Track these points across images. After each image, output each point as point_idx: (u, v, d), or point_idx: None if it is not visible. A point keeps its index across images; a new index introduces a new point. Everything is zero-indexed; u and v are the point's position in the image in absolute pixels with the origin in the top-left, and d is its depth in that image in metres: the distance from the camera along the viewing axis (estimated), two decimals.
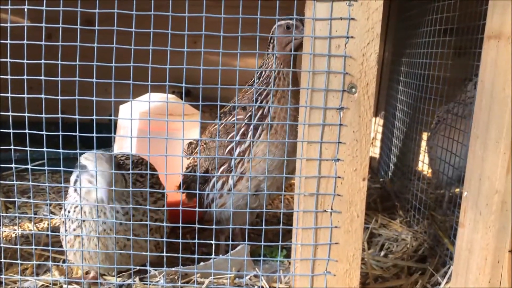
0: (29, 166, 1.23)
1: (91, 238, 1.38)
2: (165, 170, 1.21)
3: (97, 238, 1.38)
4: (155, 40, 1.11)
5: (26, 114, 1.18)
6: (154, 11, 1.11)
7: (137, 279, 1.54)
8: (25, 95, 1.17)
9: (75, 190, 1.37)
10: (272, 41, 1.59)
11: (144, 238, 1.39)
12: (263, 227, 1.29)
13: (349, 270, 1.21)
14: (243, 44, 1.12)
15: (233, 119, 1.64)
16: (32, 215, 1.55)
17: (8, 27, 1.13)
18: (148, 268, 1.45)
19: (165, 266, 1.32)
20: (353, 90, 1.13)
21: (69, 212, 1.40)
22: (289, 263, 1.73)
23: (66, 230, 1.41)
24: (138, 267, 1.49)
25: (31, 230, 1.91)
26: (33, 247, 1.34)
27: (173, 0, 1.22)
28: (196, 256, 1.32)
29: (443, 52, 1.99)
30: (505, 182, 1.12)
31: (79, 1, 1.11)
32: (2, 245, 1.36)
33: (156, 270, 1.53)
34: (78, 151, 1.20)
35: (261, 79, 1.62)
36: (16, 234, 1.83)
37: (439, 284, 1.61)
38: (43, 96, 1.15)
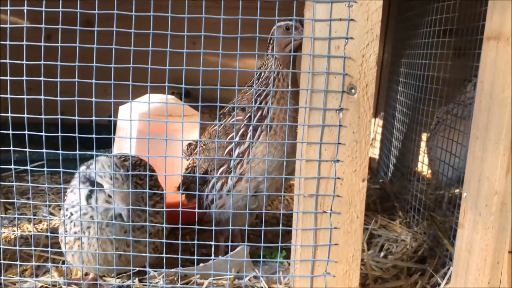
0: (28, 167, 1.23)
1: (91, 244, 1.38)
2: (164, 171, 1.21)
3: (98, 243, 1.38)
4: (155, 41, 1.11)
5: (25, 115, 1.18)
6: (154, 12, 1.11)
7: (136, 280, 1.53)
8: (25, 96, 1.17)
9: (87, 200, 1.37)
10: (271, 42, 1.59)
11: (144, 239, 1.39)
12: (263, 228, 1.29)
13: (348, 271, 1.21)
14: (243, 45, 1.12)
15: (232, 120, 1.64)
16: (32, 216, 1.55)
17: (8, 28, 1.14)
18: (147, 269, 1.44)
19: (164, 267, 1.31)
20: (353, 91, 1.13)
21: (71, 214, 1.40)
22: (289, 264, 1.73)
23: (66, 232, 1.41)
24: (137, 268, 1.49)
25: (30, 231, 1.91)
26: (33, 248, 1.34)
27: (172, 1, 1.22)
28: (195, 257, 1.32)
29: (442, 53, 1.99)
30: (505, 183, 1.12)
31: (78, 2, 1.11)
32: (1, 246, 1.36)
33: (155, 271, 1.53)
34: (77, 152, 1.20)
35: (260, 80, 1.62)
36: (15, 235, 1.83)
37: (439, 285, 1.61)
38: (42, 97, 1.15)
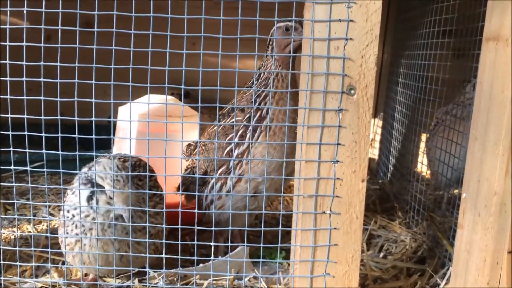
0: (28, 168, 1.23)
1: (92, 245, 1.38)
2: (164, 172, 1.21)
3: (99, 245, 1.38)
4: (154, 42, 1.11)
5: (25, 116, 1.18)
6: (153, 13, 1.11)
7: (136, 281, 1.53)
8: (24, 97, 1.17)
9: (88, 202, 1.37)
10: (271, 43, 1.59)
11: (145, 240, 1.39)
12: (262, 228, 1.29)
13: (348, 271, 1.21)
14: (242, 46, 1.12)
15: (231, 121, 1.64)
16: (31, 217, 1.54)
17: (7, 29, 1.14)
18: (147, 270, 1.44)
19: (164, 267, 1.31)
20: (352, 91, 1.13)
21: (73, 216, 1.40)
22: (288, 264, 1.73)
23: (67, 233, 1.41)
24: (137, 269, 1.49)
25: (30, 232, 1.91)
26: (32, 249, 1.34)
27: (172, 1, 1.22)
28: (195, 257, 1.32)
29: (442, 54, 1.99)
30: (504, 184, 1.12)
31: (78, 3, 1.11)
32: (1, 247, 1.36)
33: (155, 271, 1.53)
34: (77, 152, 1.20)
35: (259, 80, 1.62)
36: (15, 236, 1.83)
37: (438, 285, 1.61)
38: (42, 98, 1.15)
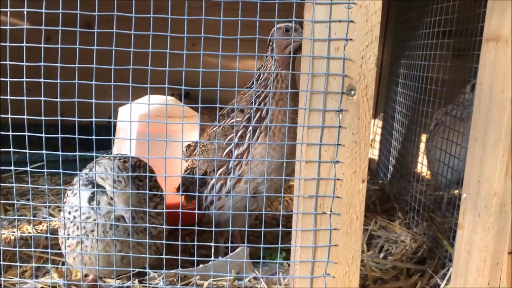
0: (28, 168, 1.22)
1: (94, 246, 1.38)
2: (164, 172, 1.21)
3: (101, 246, 1.39)
4: (155, 42, 1.11)
5: (25, 116, 1.18)
6: (154, 13, 1.11)
7: (136, 281, 1.53)
8: (24, 97, 1.17)
9: (89, 203, 1.37)
10: (271, 43, 1.59)
11: (145, 240, 1.39)
12: (262, 229, 1.29)
13: (348, 272, 1.21)
14: (242, 46, 1.12)
15: (231, 121, 1.64)
16: (31, 217, 1.54)
17: (8, 30, 1.14)
18: (147, 270, 1.44)
19: (164, 268, 1.31)
20: (352, 92, 1.13)
21: (74, 217, 1.40)
22: (289, 265, 1.73)
23: (68, 235, 1.41)
24: (137, 270, 1.49)
25: (30, 232, 1.91)
26: (32, 249, 1.34)
27: (172, 2, 1.22)
28: (195, 258, 1.32)
29: (441, 54, 2.00)
30: (504, 184, 1.12)
31: (78, 4, 1.11)
32: (1, 247, 1.36)
33: (155, 272, 1.53)
34: (77, 153, 1.20)
35: (259, 81, 1.62)
36: (15, 237, 1.83)
37: (438, 285, 1.61)
38: (42, 98, 1.15)
